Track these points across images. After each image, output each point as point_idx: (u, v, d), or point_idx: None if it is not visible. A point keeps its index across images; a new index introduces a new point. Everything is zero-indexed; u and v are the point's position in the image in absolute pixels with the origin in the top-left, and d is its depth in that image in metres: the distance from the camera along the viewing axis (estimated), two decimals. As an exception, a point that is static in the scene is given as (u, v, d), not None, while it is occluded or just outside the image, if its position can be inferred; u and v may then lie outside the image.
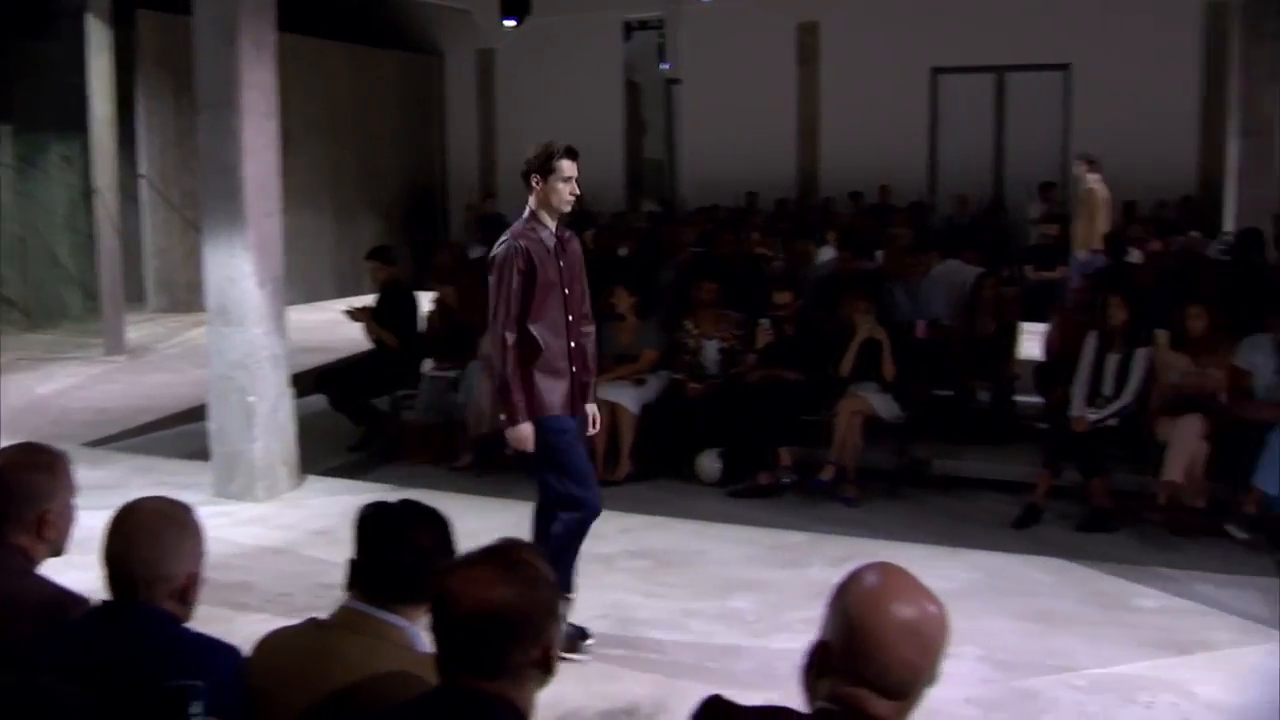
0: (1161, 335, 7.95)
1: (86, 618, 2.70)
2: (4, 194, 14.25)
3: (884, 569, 2.09)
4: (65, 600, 2.86)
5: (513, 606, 2.15)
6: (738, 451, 8.34)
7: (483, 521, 6.43)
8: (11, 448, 3.08)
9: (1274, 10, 11.19)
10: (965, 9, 16.43)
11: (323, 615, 2.74)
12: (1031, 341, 9.89)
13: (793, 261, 10.97)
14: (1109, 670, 4.94)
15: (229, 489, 7.34)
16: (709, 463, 8.42)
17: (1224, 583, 6.00)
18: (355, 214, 17.98)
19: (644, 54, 19.75)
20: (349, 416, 9.50)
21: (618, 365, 8.65)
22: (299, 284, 14.32)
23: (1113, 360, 7.66)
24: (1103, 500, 7.47)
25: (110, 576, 2.63)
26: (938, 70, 17.35)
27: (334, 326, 11.13)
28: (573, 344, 5.05)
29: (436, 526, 2.74)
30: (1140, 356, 7.63)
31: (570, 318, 5.05)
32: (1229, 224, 11.83)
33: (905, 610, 2.01)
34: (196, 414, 8.33)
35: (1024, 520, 7.51)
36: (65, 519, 3.02)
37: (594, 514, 5.03)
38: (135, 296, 14.50)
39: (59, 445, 3.22)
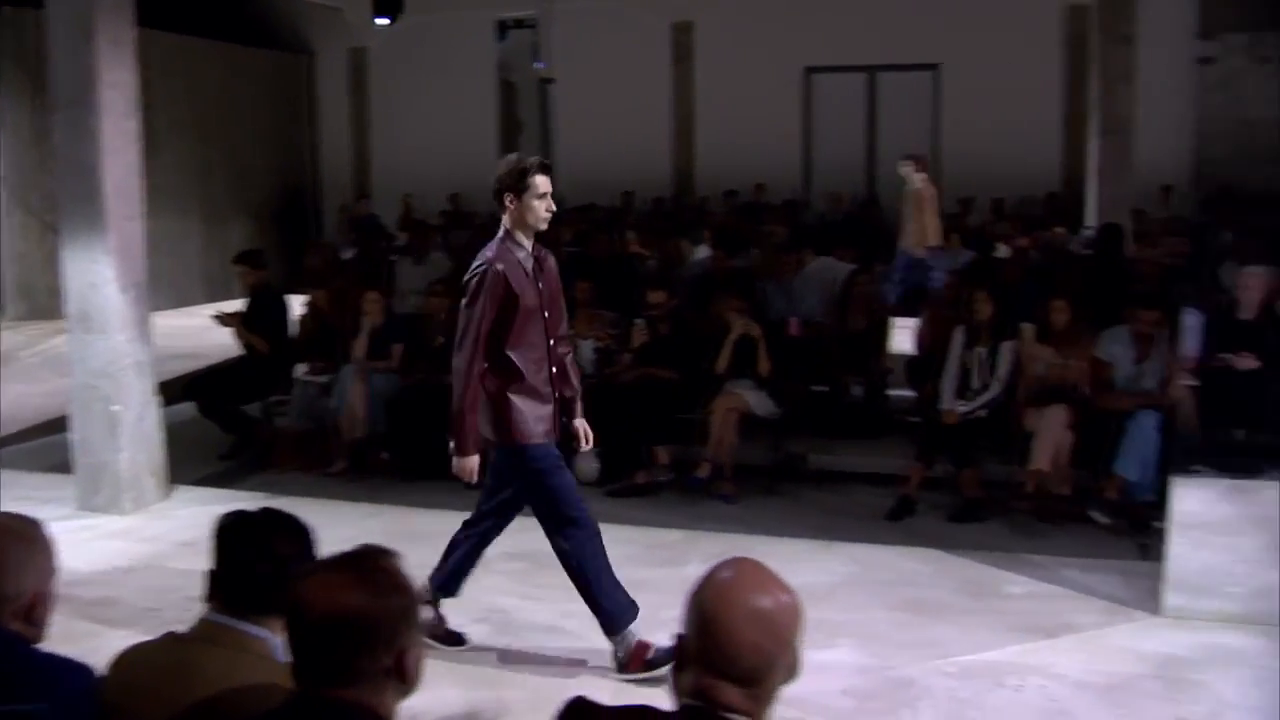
0: (1027, 328, 8.18)
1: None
2: None
3: (738, 563, 2.12)
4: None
5: (363, 612, 2.10)
6: (614, 451, 8.32)
7: (356, 528, 6.36)
8: None
9: (1129, 13, 11.55)
10: (838, 10, 16.71)
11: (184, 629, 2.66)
12: (903, 336, 10.07)
13: (666, 260, 11.00)
14: (980, 656, 5.06)
15: (94, 502, 7.12)
16: (586, 463, 8.37)
17: (1089, 567, 6.18)
18: (224, 216, 17.57)
19: (518, 53, 19.67)
20: (218, 424, 9.26)
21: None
22: (167, 289, 13.96)
23: (980, 354, 7.84)
24: (973, 491, 7.64)
25: (-48, 597, 2.51)
26: (811, 70, 17.61)
27: (203, 332, 10.88)
28: (554, 369, 4.90)
29: (297, 534, 2.68)
30: (1006, 349, 7.82)
31: (550, 341, 4.90)
32: (1091, 220, 12.16)
33: (754, 598, 2.04)
34: (59, 425, 8.05)
35: (898, 512, 7.65)
36: None
37: (595, 529, 4.90)
38: (-7, 303, 14.02)
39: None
